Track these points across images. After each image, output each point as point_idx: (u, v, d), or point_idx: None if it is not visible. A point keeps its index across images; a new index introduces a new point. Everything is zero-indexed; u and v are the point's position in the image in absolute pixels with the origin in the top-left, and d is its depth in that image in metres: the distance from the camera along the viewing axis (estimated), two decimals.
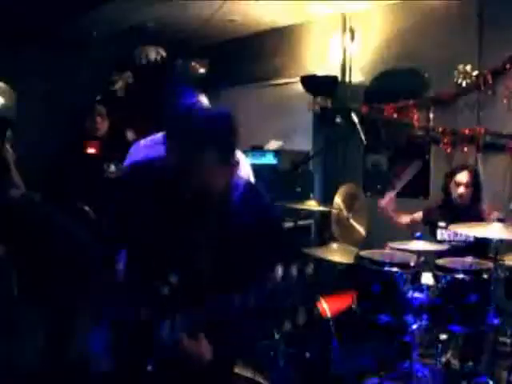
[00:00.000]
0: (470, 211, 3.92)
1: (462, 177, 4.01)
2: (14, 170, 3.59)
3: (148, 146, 2.93)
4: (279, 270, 1.41)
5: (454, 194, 4.02)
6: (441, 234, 4.02)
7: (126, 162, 3.08)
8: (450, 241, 3.97)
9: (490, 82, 4.50)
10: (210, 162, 1.58)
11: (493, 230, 3.15)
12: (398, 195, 4.40)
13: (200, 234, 1.69)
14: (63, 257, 3.31)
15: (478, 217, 3.80)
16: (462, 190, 3.98)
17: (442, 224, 3.98)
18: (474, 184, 4.02)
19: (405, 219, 4.30)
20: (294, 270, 1.41)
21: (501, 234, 3.10)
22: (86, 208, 3.31)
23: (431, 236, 4.07)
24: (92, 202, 3.34)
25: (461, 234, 3.87)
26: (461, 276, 3.19)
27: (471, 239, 3.89)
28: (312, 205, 4.00)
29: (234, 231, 1.69)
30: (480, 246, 3.75)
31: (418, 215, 4.29)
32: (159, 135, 2.99)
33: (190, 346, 1.59)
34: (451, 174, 4.08)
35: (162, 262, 1.69)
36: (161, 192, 1.71)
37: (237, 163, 1.69)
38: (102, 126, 3.40)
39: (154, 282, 1.66)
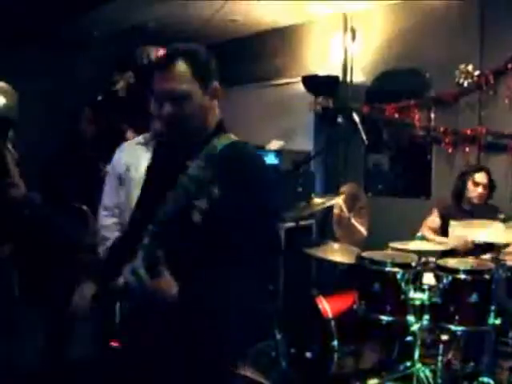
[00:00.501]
0: (484, 211, 3.91)
1: (481, 177, 4.00)
2: (14, 170, 3.59)
3: (125, 147, 2.90)
4: None
5: (471, 193, 4.00)
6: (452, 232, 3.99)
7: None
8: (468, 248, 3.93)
9: (492, 81, 4.49)
10: (178, 73, 1.68)
11: (495, 231, 3.14)
12: (399, 195, 4.38)
13: (183, 181, 1.62)
14: (61, 256, 3.32)
15: (491, 217, 3.76)
16: (481, 190, 3.98)
17: (454, 223, 3.95)
18: (490, 185, 4.02)
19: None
20: None
21: (503, 234, 3.10)
22: (84, 207, 3.30)
23: (441, 233, 4.06)
24: (89, 201, 3.33)
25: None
26: (462, 276, 3.19)
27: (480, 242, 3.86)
28: (315, 203, 3.96)
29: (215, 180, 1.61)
30: (484, 247, 3.75)
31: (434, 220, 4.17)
32: (140, 137, 2.97)
33: (149, 282, 1.57)
34: (468, 174, 4.06)
35: (145, 216, 1.69)
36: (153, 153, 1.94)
37: (215, 88, 1.78)
38: (91, 128, 3.40)
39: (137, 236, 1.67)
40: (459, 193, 4.10)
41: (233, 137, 1.78)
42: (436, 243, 3.82)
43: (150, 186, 1.86)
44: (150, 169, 1.91)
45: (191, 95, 1.70)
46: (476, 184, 4.00)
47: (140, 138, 2.93)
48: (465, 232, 3.71)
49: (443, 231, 4.06)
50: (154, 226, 1.62)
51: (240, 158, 1.74)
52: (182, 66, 1.68)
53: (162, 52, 1.74)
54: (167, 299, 1.61)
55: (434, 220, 4.16)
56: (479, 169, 4.09)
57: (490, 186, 4.04)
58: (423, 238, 3.53)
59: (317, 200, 3.97)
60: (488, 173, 4.05)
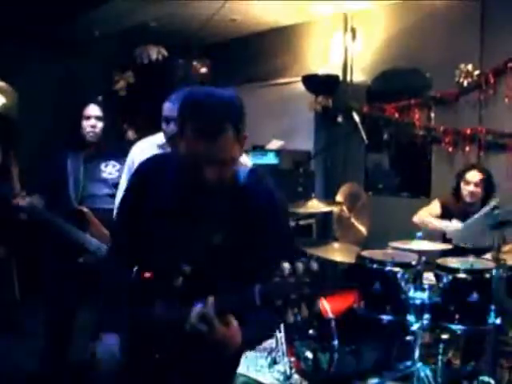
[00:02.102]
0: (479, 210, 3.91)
1: (472, 176, 4.01)
2: (15, 170, 3.60)
3: (147, 147, 2.95)
4: (286, 265, 1.42)
5: (463, 192, 4.02)
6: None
7: (128, 163, 3.08)
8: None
9: (492, 81, 4.49)
10: (227, 141, 1.59)
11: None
12: (399, 195, 4.38)
13: (212, 220, 1.70)
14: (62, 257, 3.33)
15: None
16: (471, 188, 3.99)
17: (454, 222, 3.96)
18: (486, 184, 4.01)
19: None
20: (300, 265, 1.42)
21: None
22: (85, 209, 3.30)
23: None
24: (90, 202, 3.34)
25: None
26: (462, 275, 3.19)
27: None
28: (314, 205, 3.97)
29: (245, 216, 1.70)
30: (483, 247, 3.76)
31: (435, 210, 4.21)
32: (156, 136, 3.00)
33: (221, 330, 1.55)
34: (461, 173, 4.08)
35: (175, 254, 1.70)
36: (175, 182, 1.76)
37: (245, 137, 1.69)
38: (96, 127, 3.39)
39: (167, 274, 1.68)
40: (455, 192, 4.12)
41: (245, 158, 1.84)
42: (433, 225, 3.97)
43: (175, 215, 1.74)
44: (172, 197, 1.77)
45: (236, 158, 1.67)
46: (467, 182, 4.01)
47: (157, 140, 2.95)
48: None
49: None
50: (191, 265, 1.67)
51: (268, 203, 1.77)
52: (230, 135, 1.59)
53: (208, 117, 1.60)
54: (233, 348, 1.61)
55: (434, 208, 4.19)
56: (471, 167, 4.10)
57: (486, 185, 4.02)
58: (424, 238, 3.52)
59: (316, 203, 3.97)
60: (481, 171, 4.05)
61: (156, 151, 2.79)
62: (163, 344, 1.67)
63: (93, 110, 3.42)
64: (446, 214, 4.11)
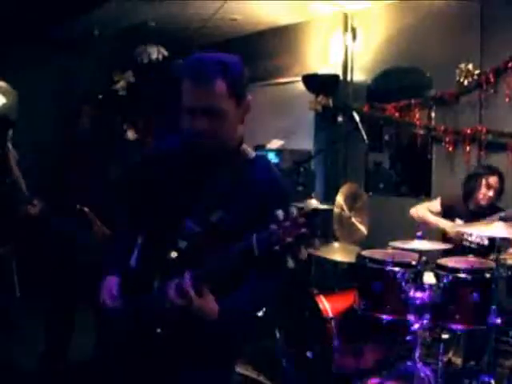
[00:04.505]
0: (489, 213, 3.88)
1: (494, 181, 3.95)
2: (15, 169, 3.59)
3: None
4: (279, 211, 1.44)
5: (481, 195, 3.94)
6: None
7: None
8: (461, 240, 3.95)
9: (492, 80, 4.49)
10: (217, 91, 1.64)
11: (496, 229, 3.14)
12: (399, 194, 4.37)
13: (212, 195, 1.73)
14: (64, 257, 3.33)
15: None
16: (491, 193, 3.92)
17: (458, 221, 3.95)
18: (500, 188, 4.00)
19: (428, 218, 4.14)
20: (293, 209, 1.44)
21: (503, 233, 3.09)
22: (86, 209, 3.30)
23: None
24: (91, 202, 3.34)
25: (471, 235, 3.85)
26: (463, 275, 3.18)
27: (485, 243, 3.86)
28: (313, 204, 3.98)
29: (247, 196, 1.71)
30: (486, 247, 3.75)
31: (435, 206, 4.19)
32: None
33: (197, 302, 1.57)
34: (482, 176, 3.97)
35: (172, 228, 1.73)
36: (177, 158, 1.82)
37: (248, 104, 1.76)
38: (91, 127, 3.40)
39: (163, 247, 1.72)
40: (469, 192, 4.04)
41: (246, 147, 1.84)
42: (429, 220, 3.98)
43: (172, 195, 1.80)
44: (171, 177, 1.84)
45: (228, 113, 1.69)
46: (489, 186, 3.94)
47: None
48: (466, 229, 3.72)
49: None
50: (183, 240, 1.69)
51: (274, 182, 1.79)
52: (221, 85, 1.65)
53: (200, 64, 1.69)
54: (210, 318, 1.62)
55: (434, 205, 4.18)
56: (493, 172, 4.01)
57: (500, 189, 4.00)
58: (424, 238, 3.52)
59: (315, 204, 3.97)
60: (500, 176, 4.00)
61: None
62: (163, 318, 1.67)
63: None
64: (448, 214, 4.07)
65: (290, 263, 1.43)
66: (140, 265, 1.87)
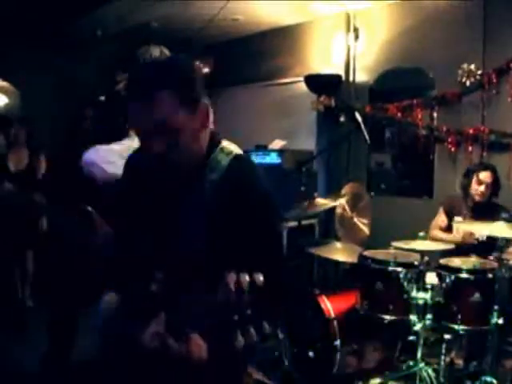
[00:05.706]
0: (487, 209, 3.92)
1: (485, 176, 3.99)
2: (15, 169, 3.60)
3: None
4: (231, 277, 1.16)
5: (473, 191, 4.01)
6: (456, 230, 4.00)
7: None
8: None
9: (495, 81, 4.49)
10: (163, 103, 1.41)
11: (498, 229, 3.14)
12: (402, 195, 4.37)
13: (185, 222, 1.55)
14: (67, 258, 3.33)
15: (494, 215, 3.76)
16: (483, 189, 3.97)
17: (458, 219, 3.96)
18: (495, 183, 4.02)
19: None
20: (245, 278, 1.14)
21: (506, 232, 3.09)
22: (89, 208, 3.30)
23: (446, 229, 4.07)
24: (93, 202, 3.33)
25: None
26: (465, 275, 3.18)
27: (483, 239, 3.87)
28: (317, 203, 3.96)
29: (223, 215, 1.49)
30: (486, 246, 3.74)
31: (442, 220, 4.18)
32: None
33: (177, 348, 1.35)
34: (473, 172, 4.05)
35: (148, 259, 1.55)
36: (146, 181, 1.60)
37: (205, 108, 1.50)
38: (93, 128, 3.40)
39: (142, 281, 1.51)
40: (464, 189, 4.10)
41: (225, 144, 1.62)
42: (443, 242, 3.84)
43: (143, 213, 1.59)
44: (138, 193, 1.62)
45: (184, 125, 1.45)
46: (479, 182, 4.00)
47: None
48: (468, 228, 3.72)
49: (449, 226, 4.08)
50: (163, 271, 1.47)
51: (249, 185, 1.57)
52: (168, 95, 1.42)
53: (139, 76, 1.47)
54: (198, 361, 1.37)
55: (442, 220, 4.17)
56: (485, 167, 4.07)
57: (495, 185, 4.03)
58: (426, 237, 3.52)
59: (319, 201, 3.96)
60: (493, 172, 4.04)
61: None
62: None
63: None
64: (452, 216, 4.09)
65: (240, 343, 1.13)
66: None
